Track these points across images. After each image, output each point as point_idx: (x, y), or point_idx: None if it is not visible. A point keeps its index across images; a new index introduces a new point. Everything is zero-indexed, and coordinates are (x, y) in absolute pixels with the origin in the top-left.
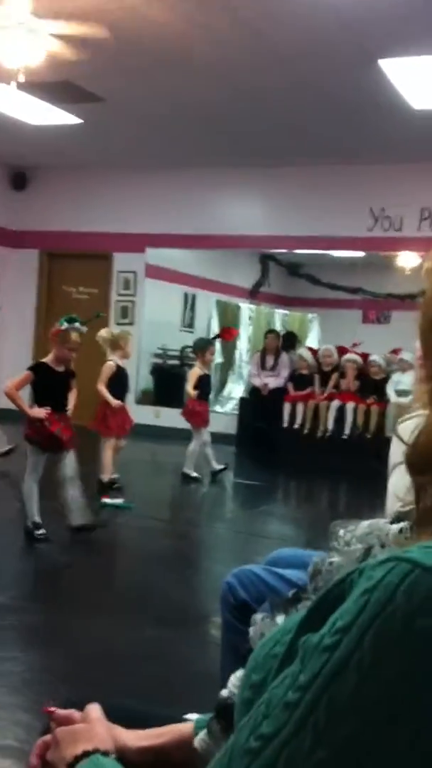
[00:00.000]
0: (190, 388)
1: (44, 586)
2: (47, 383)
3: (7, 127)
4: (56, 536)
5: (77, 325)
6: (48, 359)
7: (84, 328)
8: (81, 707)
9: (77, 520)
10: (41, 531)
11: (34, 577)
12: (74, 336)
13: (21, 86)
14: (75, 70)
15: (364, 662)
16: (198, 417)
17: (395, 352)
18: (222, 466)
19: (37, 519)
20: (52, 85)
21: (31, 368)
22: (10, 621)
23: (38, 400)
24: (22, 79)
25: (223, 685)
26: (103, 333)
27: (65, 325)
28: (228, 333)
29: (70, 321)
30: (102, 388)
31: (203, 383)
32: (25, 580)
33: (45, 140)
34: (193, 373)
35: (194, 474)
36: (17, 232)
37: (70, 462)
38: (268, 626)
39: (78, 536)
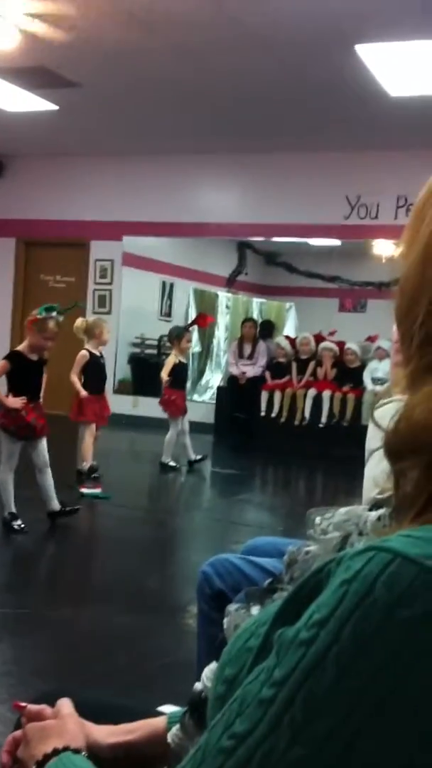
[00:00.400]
0: (164, 374)
1: (18, 576)
2: (22, 372)
3: None
4: (32, 525)
5: (54, 314)
6: (22, 347)
7: (61, 317)
8: (54, 701)
9: (54, 506)
10: (18, 522)
11: (7, 567)
12: (51, 325)
13: None
14: (50, 56)
15: (342, 656)
16: (173, 406)
17: (371, 339)
18: (199, 456)
19: (14, 509)
20: (26, 71)
21: (6, 357)
22: None
23: (13, 389)
24: None
25: (199, 678)
26: (78, 322)
27: (43, 314)
28: (203, 320)
29: (49, 310)
30: (74, 378)
31: (179, 371)
32: None
33: (21, 127)
34: (169, 361)
35: (172, 463)
36: None
37: (42, 450)
38: (243, 617)
39: (57, 522)
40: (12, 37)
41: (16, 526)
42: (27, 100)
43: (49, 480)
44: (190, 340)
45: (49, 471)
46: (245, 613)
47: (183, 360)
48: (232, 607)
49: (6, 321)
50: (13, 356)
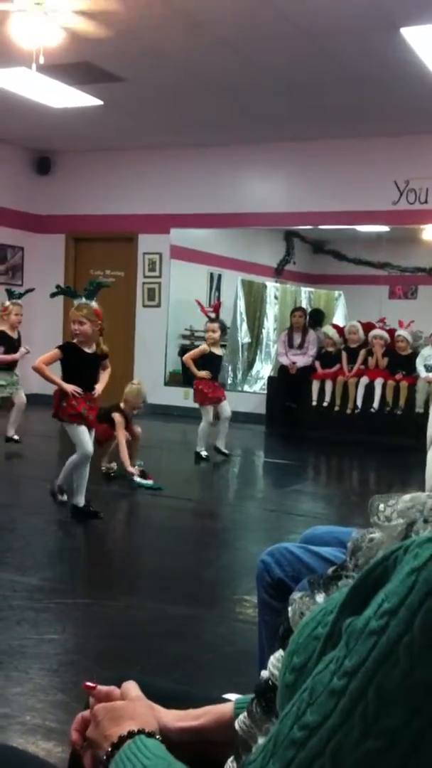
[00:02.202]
0: (186, 357)
1: (76, 567)
2: (75, 363)
3: (30, 112)
4: (91, 521)
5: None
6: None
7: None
8: (119, 685)
9: (79, 501)
10: (63, 496)
11: (66, 558)
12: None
13: (41, 68)
14: (94, 51)
15: (414, 645)
16: (200, 394)
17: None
18: (226, 451)
19: (65, 486)
20: (71, 66)
21: (59, 347)
22: (45, 603)
23: (67, 380)
24: (41, 60)
25: (262, 666)
26: None
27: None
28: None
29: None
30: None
31: (207, 361)
32: (57, 562)
33: (67, 123)
34: (198, 348)
35: (204, 453)
36: (43, 217)
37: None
38: (308, 605)
39: (78, 520)
40: (58, 34)
41: (59, 500)
42: (72, 96)
43: (85, 474)
44: (214, 330)
45: (87, 466)
46: (309, 601)
47: (213, 351)
48: (296, 595)
49: (58, 317)
50: (66, 347)
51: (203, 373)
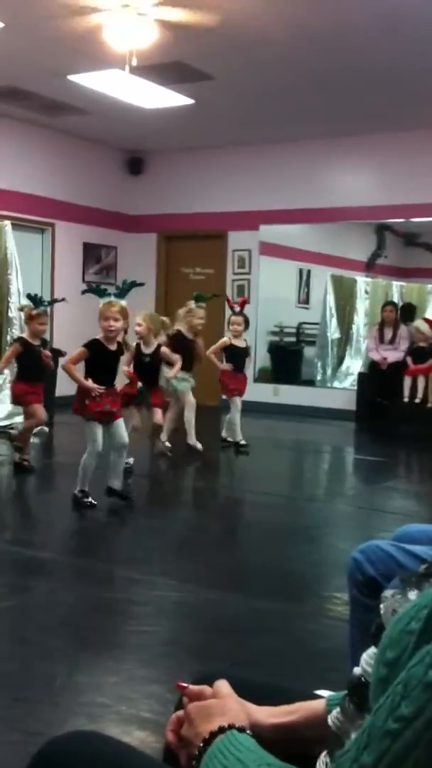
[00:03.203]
0: (209, 351)
1: (169, 561)
2: (99, 360)
3: (123, 113)
4: (179, 515)
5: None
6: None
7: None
8: (211, 682)
9: (114, 484)
10: (89, 499)
11: (159, 553)
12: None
13: (133, 70)
14: (184, 50)
15: None
16: (221, 385)
17: None
18: (243, 442)
19: (86, 488)
20: (163, 66)
21: (84, 345)
22: (142, 596)
23: (90, 375)
24: (134, 62)
25: (355, 663)
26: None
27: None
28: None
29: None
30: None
31: (230, 353)
32: (154, 556)
33: (159, 123)
34: (220, 342)
35: (238, 439)
36: (135, 217)
37: (117, 432)
38: (400, 602)
39: (109, 498)
40: (150, 35)
41: (87, 503)
42: (164, 97)
43: (121, 461)
44: (239, 324)
45: (124, 453)
46: (402, 599)
47: (236, 343)
48: (388, 593)
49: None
50: (91, 344)
51: (225, 366)
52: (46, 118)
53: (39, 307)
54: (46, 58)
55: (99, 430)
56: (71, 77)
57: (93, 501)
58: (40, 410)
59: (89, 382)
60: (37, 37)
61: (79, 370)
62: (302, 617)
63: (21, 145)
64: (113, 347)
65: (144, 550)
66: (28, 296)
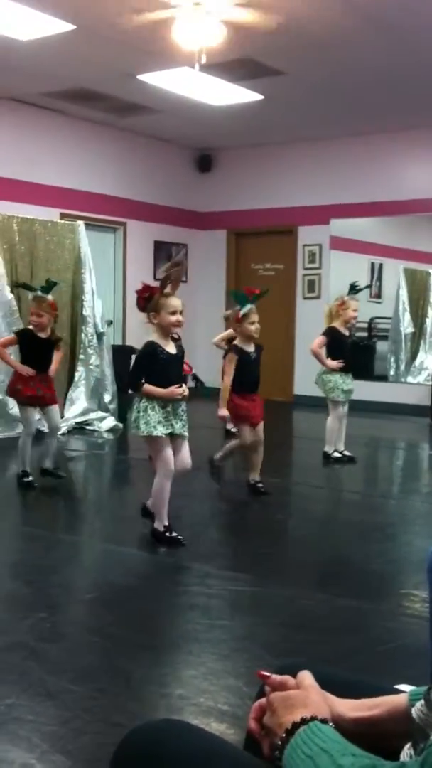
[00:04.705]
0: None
1: (244, 556)
2: (30, 348)
3: (192, 111)
4: (253, 511)
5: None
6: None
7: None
8: (293, 674)
9: (47, 464)
10: (30, 478)
11: (233, 547)
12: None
13: (203, 67)
14: (254, 46)
15: None
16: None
17: None
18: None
19: (27, 468)
20: (232, 63)
21: (15, 332)
22: (218, 590)
23: (23, 362)
24: (203, 60)
25: None
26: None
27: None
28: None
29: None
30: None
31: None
32: (226, 551)
33: (228, 120)
34: (226, 333)
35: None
36: (204, 214)
37: (51, 416)
38: None
39: (43, 477)
40: (219, 33)
41: (26, 481)
42: (233, 93)
43: (54, 443)
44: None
45: (57, 436)
46: None
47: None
48: None
49: (220, 311)
50: (21, 333)
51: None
52: (117, 118)
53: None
54: (116, 59)
55: (33, 413)
56: (141, 77)
57: (33, 480)
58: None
59: (23, 366)
60: (106, 39)
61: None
62: (380, 615)
63: (92, 146)
64: (45, 335)
65: (220, 546)
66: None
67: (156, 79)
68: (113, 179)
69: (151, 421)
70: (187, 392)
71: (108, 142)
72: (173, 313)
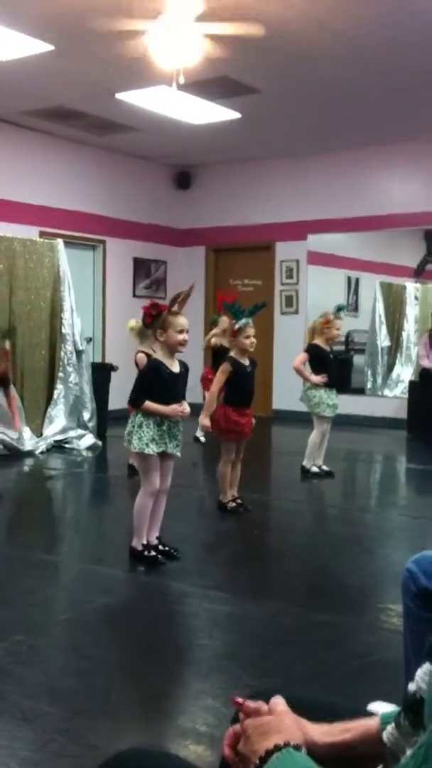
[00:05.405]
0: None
1: (223, 573)
2: None
3: (171, 129)
4: (230, 526)
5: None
6: None
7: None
8: (267, 698)
9: None
10: None
11: (213, 565)
12: None
13: (180, 86)
14: (230, 65)
15: None
16: (207, 382)
17: None
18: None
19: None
20: (209, 82)
21: None
22: (196, 608)
23: None
24: (182, 80)
25: (409, 677)
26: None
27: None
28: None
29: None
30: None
31: (220, 354)
32: (204, 568)
33: (206, 138)
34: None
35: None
36: (184, 231)
37: None
38: None
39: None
40: (196, 53)
41: None
42: (210, 111)
43: None
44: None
45: None
46: None
47: (225, 344)
48: None
49: (200, 327)
50: None
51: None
52: (95, 137)
53: None
54: (94, 78)
55: None
56: (119, 95)
57: None
58: None
59: None
60: (84, 58)
61: None
62: (358, 629)
63: (71, 164)
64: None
65: (198, 563)
66: None
67: (134, 97)
68: (92, 197)
69: (144, 438)
70: (188, 411)
71: (87, 160)
72: (181, 331)
